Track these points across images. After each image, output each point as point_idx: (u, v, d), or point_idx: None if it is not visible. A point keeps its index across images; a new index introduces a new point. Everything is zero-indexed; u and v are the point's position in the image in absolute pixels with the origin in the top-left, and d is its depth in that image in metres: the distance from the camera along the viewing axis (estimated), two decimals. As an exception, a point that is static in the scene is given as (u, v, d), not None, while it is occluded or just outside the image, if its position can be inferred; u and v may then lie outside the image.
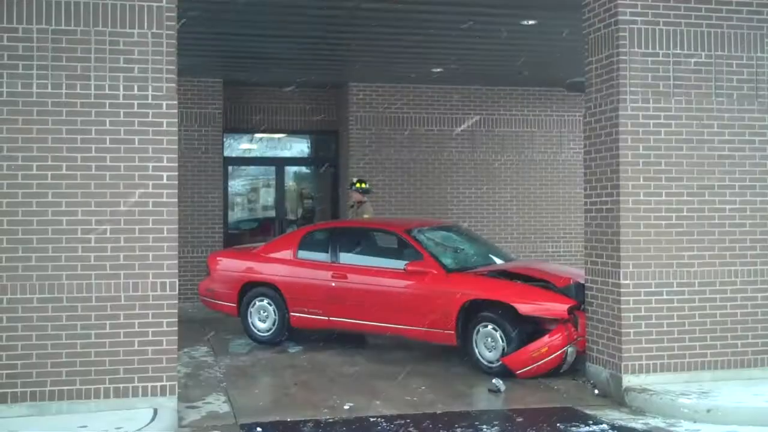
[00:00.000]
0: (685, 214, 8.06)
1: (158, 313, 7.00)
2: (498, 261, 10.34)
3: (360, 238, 10.83)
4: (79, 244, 6.87)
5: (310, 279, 10.35)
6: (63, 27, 6.89)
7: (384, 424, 7.11)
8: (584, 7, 8.60)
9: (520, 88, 15.69)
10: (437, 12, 9.93)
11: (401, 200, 15.15)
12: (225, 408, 7.61)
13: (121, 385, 6.91)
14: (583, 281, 8.78)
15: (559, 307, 8.72)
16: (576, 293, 8.88)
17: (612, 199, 8.06)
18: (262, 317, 10.66)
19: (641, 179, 7.95)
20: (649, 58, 8.02)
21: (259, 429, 6.97)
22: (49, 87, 6.85)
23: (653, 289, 7.91)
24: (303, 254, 10.62)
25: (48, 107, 6.85)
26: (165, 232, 7.04)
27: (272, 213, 16.52)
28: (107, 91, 6.96)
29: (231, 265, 11.15)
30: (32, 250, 6.79)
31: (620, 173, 7.93)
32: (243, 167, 16.70)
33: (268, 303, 10.62)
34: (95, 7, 6.94)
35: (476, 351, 9.05)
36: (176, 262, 7.11)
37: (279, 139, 16.57)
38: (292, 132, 16.27)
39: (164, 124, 7.07)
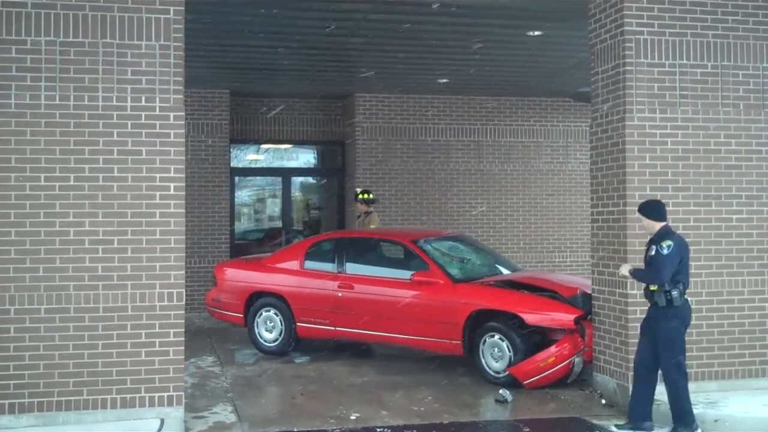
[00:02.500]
0: (691, 224, 8.05)
1: (165, 323, 7.02)
2: (504, 271, 10.34)
3: (366, 249, 10.84)
4: (86, 255, 6.90)
5: (317, 289, 10.35)
6: (71, 39, 6.94)
7: (391, 434, 7.12)
8: (590, 17, 8.62)
9: (527, 98, 15.70)
10: (443, 23, 9.95)
11: (408, 210, 15.15)
12: (232, 418, 7.62)
13: (128, 396, 6.93)
14: (589, 291, 8.77)
15: (565, 317, 8.71)
16: (583, 303, 8.87)
17: (618, 209, 8.06)
18: (269, 327, 10.66)
19: (648, 189, 7.95)
20: (656, 69, 8.03)
21: (265, 439, 6.99)
22: (57, 99, 6.89)
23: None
24: (310, 264, 10.62)
25: (56, 119, 6.89)
26: (172, 242, 7.07)
27: (279, 223, 16.54)
28: (115, 103, 7.00)
29: (238, 276, 11.16)
30: (40, 260, 6.82)
31: (627, 183, 7.94)
32: (249, 178, 16.72)
33: (275, 313, 10.62)
34: (103, 20, 6.99)
35: (483, 361, 9.04)
36: (183, 272, 7.14)
37: (285, 149, 16.60)
38: (299, 142, 16.29)
39: (171, 135, 7.10)
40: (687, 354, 7.93)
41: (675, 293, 6.77)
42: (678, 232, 7.25)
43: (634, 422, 7.08)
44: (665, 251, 6.76)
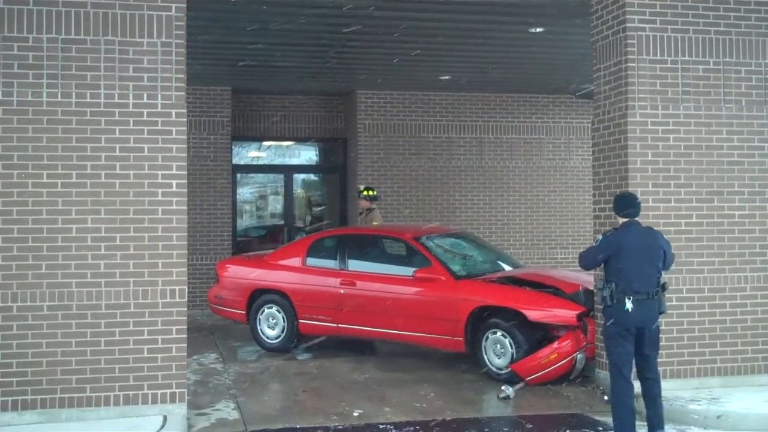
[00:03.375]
0: (694, 220, 8.05)
1: (167, 320, 7.02)
2: (506, 267, 10.33)
3: (368, 245, 10.83)
4: (88, 252, 6.90)
5: (319, 286, 10.35)
6: (73, 36, 6.94)
7: (393, 430, 7.11)
8: (592, 14, 8.61)
9: (528, 95, 15.70)
10: (446, 20, 9.95)
11: (409, 207, 15.16)
12: (234, 415, 7.62)
13: (131, 393, 6.94)
14: (592, 288, 8.77)
15: (568, 314, 8.71)
16: (585, 300, 8.86)
17: (621, 206, 8.05)
18: (271, 324, 10.67)
19: (650, 186, 7.95)
20: (658, 65, 8.03)
21: (268, 436, 6.99)
22: (59, 96, 6.89)
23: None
24: (312, 261, 10.62)
25: (58, 116, 6.89)
26: (174, 239, 7.07)
27: (281, 220, 16.55)
28: (117, 100, 7.00)
29: (240, 273, 11.16)
30: (42, 258, 6.82)
31: (629, 180, 7.93)
32: (251, 175, 16.74)
33: (277, 310, 10.62)
34: (105, 17, 6.99)
35: (485, 358, 9.04)
36: (185, 269, 7.14)
37: (287, 146, 16.60)
38: (301, 140, 16.30)
39: (173, 132, 7.11)
40: (689, 350, 7.97)
41: (605, 293, 6.53)
42: (658, 229, 7.00)
43: None
44: (594, 243, 6.80)
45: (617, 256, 6.54)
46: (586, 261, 6.82)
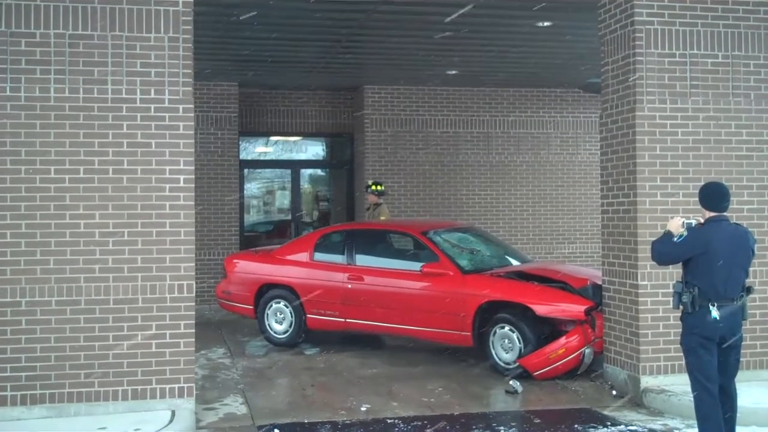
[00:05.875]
0: (702, 214, 8.01)
1: (175, 315, 7.03)
2: (514, 262, 10.33)
3: (376, 240, 10.84)
4: (96, 247, 6.91)
5: (327, 281, 10.35)
6: (80, 32, 6.94)
7: (401, 425, 7.11)
8: (600, 8, 8.58)
9: (536, 90, 15.66)
10: (452, 14, 9.90)
11: (417, 202, 15.14)
12: (242, 409, 7.63)
13: (139, 387, 6.95)
14: (600, 282, 8.75)
15: (576, 309, 8.70)
16: (593, 294, 8.85)
17: (629, 200, 8.04)
18: (279, 319, 10.68)
19: (658, 180, 7.93)
20: (666, 59, 8.00)
21: (276, 431, 6.99)
22: (67, 91, 6.90)
23: (671, 290, 7.85)
24: (319, 256, 10.63)
25: (65, 111, 6.89)
26: (182, 234, 7.08)
27: (288, 215, 16.56)
28: (124, 95, 7.00)
29: (248, 268, 11.17)
30: (50, 253, 6.84)
31: (637, 174, 7.91)
32: (259, 170, 16.74)
33: (285, 305, 10.63)
34: (112, 12, 6.99)
35: (493, 352, 9.04)
36: (193, 264, 7.15)
37: (294, 141, 16.61)
38: (308, 135, 16.30)
39: (181, 128, 7.11)
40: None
41: (685, 298, 5.76)
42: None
43: None
44: (675, 238, 5.80)
45: (703, 256, 5.73)
46: (664, 256, 5.96)
